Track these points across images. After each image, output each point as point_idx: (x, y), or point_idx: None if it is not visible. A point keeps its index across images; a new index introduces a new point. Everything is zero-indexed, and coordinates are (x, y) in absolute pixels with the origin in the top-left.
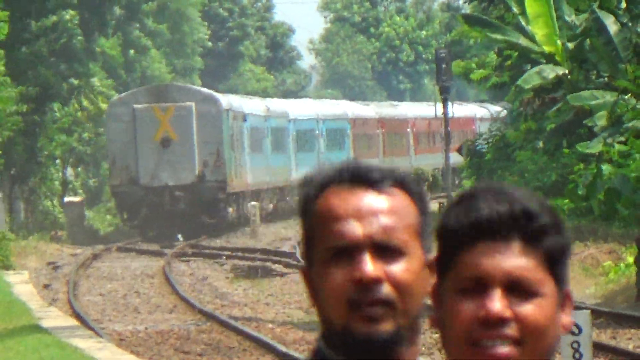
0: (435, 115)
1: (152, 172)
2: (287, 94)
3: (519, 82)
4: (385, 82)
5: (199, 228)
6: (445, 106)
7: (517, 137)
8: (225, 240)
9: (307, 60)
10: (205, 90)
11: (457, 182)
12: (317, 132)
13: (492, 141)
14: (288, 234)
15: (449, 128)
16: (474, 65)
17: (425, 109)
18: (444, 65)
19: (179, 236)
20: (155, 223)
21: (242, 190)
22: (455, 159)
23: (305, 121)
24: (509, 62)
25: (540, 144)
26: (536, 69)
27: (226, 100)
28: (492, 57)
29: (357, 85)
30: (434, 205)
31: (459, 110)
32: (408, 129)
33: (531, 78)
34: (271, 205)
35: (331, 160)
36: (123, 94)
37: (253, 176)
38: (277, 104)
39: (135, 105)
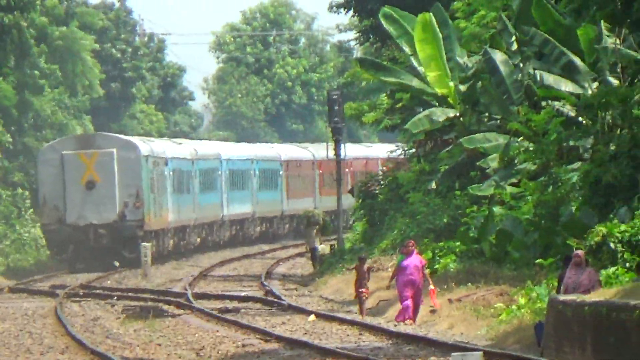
0: (327, 156)
1: (78, 211)
2: (178, 135)
3: (407, 125)
4: (278, 123)
5: (118, 260)
6: (337, 147)
7: (409, 179)
8: (116, 280)
9: (201, 101)
10: (126, 137)
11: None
12: (250, 172)
13: (384, 182)
14: (179, 275)
15: (347, 169)
16: (365, 107)
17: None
18: (336, 107)
19: (116, 263)
20: (81, 257)
21: (162, 227)
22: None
23: (238, 161)
24: (400, 105)
25: (433, 186)
26: (426, 112)
27: (146, 146)
28: (383, 99)
29: (250, 126)
30: (325, 248)
31: (364, 151)
32: (315, 171)
33: (420, 122)
34: (198, 239)
35: (263, 198)
36: (53, 142)
37: (176, 214)
38: (207, 147)
39: (64, 152)
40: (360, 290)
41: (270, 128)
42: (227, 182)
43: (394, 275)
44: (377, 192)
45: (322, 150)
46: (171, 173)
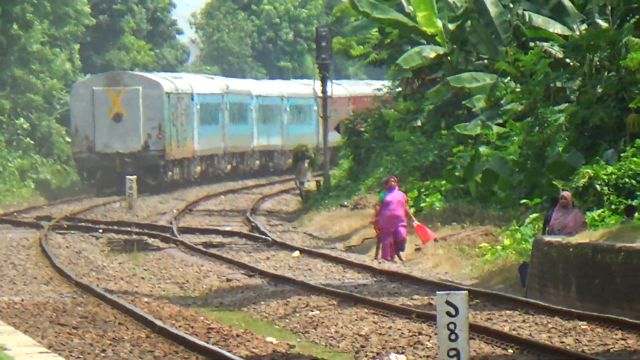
0: (315, 93)
1: (106, 141)
2: (166, 68)
3: (398, 61)
4: (265, 60)
5: (142, 187)
6: (324, 84)
7: (395, 117)
8: (102, 213)
9: (188, 35)
10: (151, 76)
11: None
12: (281, 107)
13: (370, 120)
14: (164, 208)
15: (333, 107)
16: (354, 42)
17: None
18: (324, 44)
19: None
20: (108, 182)
21: (186, 156)
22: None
23: (268, 97)
24: (388, 40)
25: (419, 124)
26: (416, 49)
27: (169, 84)
28: (374, 34)
29: (237, 62)
30: (311, 184)
31: (361, 88)
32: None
33: (411, 58)
34: (229, 167)
35: (294, 132)
36: (84, 79)
37: (204, 144)
38: (238, 83)
39: (94, 88)
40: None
41: (257, 64)
42: (257, 116)
43: (377, 212)
44: (363, 130)
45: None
46: (198, 107)
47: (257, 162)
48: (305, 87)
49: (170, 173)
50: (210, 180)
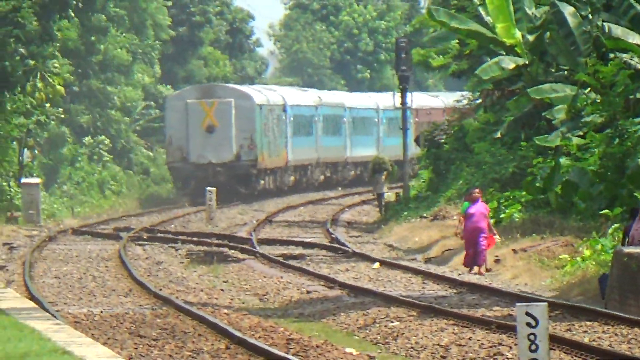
0: (394, 105)
1: (199, 151)
2: (245, 80)
3: (477, 71)
4: (344, 71)
5: (234, 196)
6: (404, 95)
7: (475, 128)
8: (181, 224)
9: (266, 46)
10: (243, 88)
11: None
12: (376, 119)
13: (450, 132)
14: (244, 219)
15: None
16: (433, 53)
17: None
18: (403, 55)
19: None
20: (202, 192)
21: (279, 166)
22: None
23: (362, 110)
24: (467, 51)
25: (499, 135)
26: (495, 59)
27: (261, 96)
28: (454, 45)
29: (316, 73)
30: (391, 195)
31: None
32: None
33: (490, 69)
34: (322, 177)
35: (389, 143)
36: (179, 91)
37: (296, 154)
38: (331, 96)
39: (188, 100)
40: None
41: (336, 75)
42: (351, 128)
43: (462, 223)
44: (442, 141)
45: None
46: (291, 118)
47: (352, 172)
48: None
49: (262, 182)
50: (303, 189)
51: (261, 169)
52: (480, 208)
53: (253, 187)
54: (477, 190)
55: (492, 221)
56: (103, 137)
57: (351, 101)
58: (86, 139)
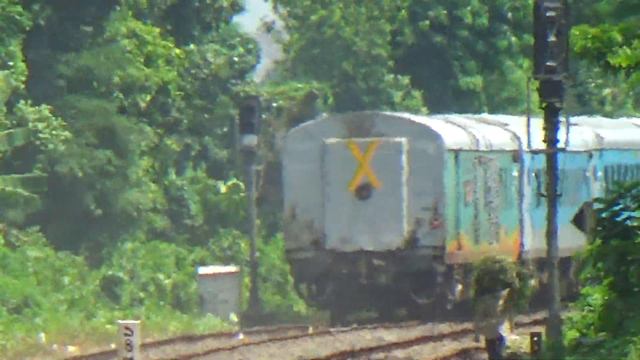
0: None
1: (343, 232)
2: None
3: None
4: (418, 69)
5: (408, 310)
6: (551, 123)
7: None
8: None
9: (255, 14)
10: (422, 120)
11: None
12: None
13: None
14: None
15: None
16: (616, 35)
17: None
18: (552, 37)
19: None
20: (349, 302)
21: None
22: None
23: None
24: None
25: None
26: None
27: (457, 134)
28: None
29: (362, 73)
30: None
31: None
32: None
33: None
34: None
35: None
36: (307, 123)
37: (539, 238)
38: (616, 133)
39: (326, 140)
40: None
41: (403, 77)
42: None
43: None
44: (635, 223)
45: None
46: (532, 175)
47: None
48: None
49: (459, 287)
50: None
51: (453, 263)
52: None
53: (440, 297)
54: None
55: None
56: None
57: (607, 134)
58: None
